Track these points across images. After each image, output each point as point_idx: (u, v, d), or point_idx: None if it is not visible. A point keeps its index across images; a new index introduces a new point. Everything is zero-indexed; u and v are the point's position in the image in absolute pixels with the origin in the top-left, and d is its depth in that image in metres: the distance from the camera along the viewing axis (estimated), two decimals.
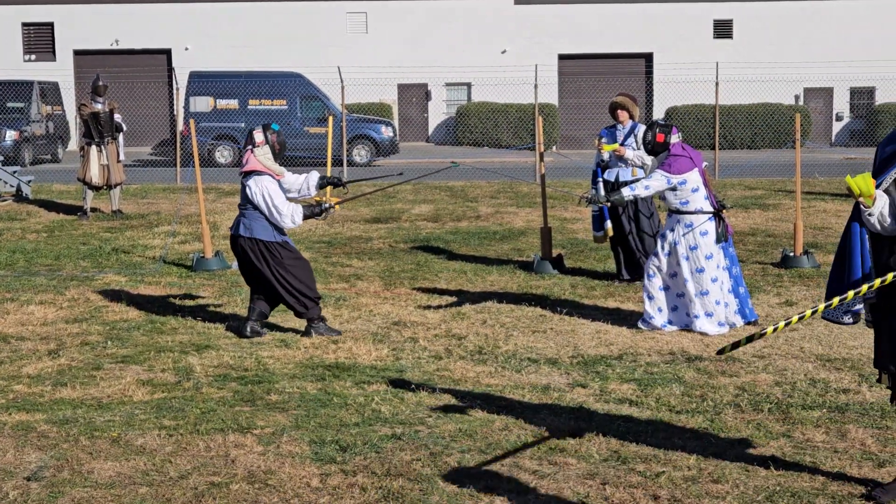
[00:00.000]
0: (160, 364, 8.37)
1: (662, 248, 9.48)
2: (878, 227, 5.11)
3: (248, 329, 9.34)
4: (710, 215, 9.34)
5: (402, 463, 6.02)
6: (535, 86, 26.62)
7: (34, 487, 5.70)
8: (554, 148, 37.38)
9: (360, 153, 32.51)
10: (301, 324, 9.54)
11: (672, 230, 9.43)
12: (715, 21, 42.93)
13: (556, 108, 40.62)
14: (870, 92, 42.36)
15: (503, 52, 41.20)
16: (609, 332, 9.40)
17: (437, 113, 42.92)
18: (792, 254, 12.70)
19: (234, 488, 5.69)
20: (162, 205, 19.51)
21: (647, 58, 42.80)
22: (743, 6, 42.58)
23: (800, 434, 6.47)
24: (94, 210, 17.91)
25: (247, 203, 9.28)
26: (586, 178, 23.43)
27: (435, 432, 6.59)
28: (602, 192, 11.27)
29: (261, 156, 9.25)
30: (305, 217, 9.39)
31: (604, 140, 11.65)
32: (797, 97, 42.46)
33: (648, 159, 11.71)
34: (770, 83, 35.33)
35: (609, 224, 11.49)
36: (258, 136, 9.27)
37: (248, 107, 32.51)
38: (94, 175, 17.03)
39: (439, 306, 10.56)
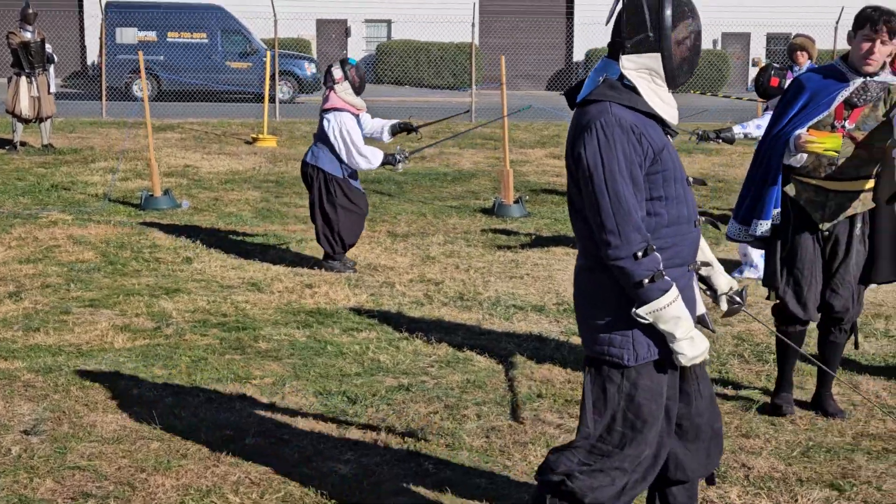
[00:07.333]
0: (132, 308, 8.01)
1: None
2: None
3: (336, 265, 9.41)
4: None
5: (420, 416, 5.80)
6: (473, 24, 26.24)
7: (35, 442, 5.35)
8: (475, 88, 37.05)
9: (283, 90, 31.67)
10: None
11: None
12: None
13: (477, 47, 40.26)
14: (786, 38, 42.80)
15: None
16: None
17: (357, 50, 42.22)
18: None
19: (249, 443, 5.42)
20: (94, 140, 18.74)
21: None
22: None
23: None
24: (22, 144, 17.13)
25: (324, 137, 9.15)
26: (518, 118, 23.12)
27: (442, 383, 6.37)
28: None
29: (341, 92, 9.14)
30: (382, 163, 9.25)
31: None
32: (715, 42, 42.73)
33: None
34: None
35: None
36: (336, 72, 9.17)
37: (167, 39, 31.43)
38: (25, 107, 16.29)
39: (406, 250, 10.33)
